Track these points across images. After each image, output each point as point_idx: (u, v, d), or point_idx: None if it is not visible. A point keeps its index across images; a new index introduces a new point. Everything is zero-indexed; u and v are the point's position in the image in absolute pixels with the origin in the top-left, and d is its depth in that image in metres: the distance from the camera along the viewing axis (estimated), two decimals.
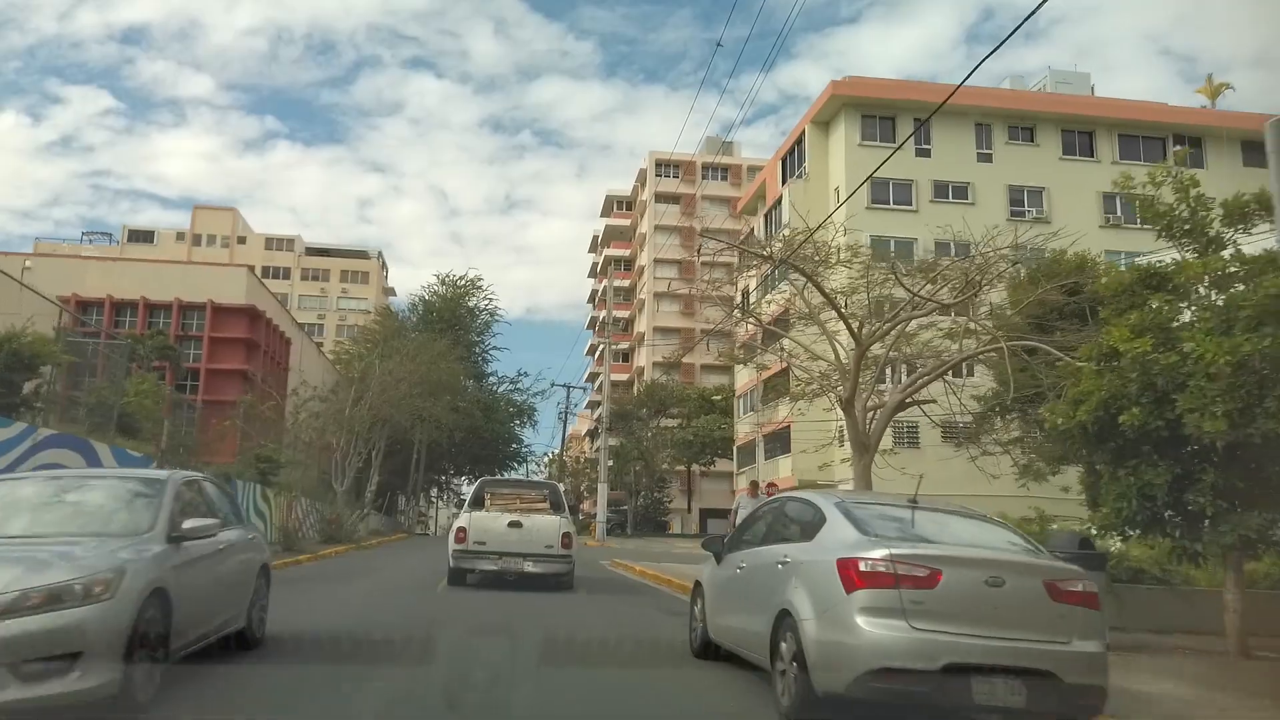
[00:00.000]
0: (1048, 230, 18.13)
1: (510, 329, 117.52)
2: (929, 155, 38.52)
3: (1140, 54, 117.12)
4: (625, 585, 17.49)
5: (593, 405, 75.35)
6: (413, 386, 34.24)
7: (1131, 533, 9.76)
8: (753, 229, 41.36)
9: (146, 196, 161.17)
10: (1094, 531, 10.99)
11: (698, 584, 8.25)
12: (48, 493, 6.52)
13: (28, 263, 38.23)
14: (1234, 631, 9.18)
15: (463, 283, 58.93)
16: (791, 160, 43.05)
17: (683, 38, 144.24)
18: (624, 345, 71.06)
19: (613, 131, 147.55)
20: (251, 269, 47.46)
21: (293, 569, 18.00)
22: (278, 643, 7.82)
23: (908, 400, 17.28)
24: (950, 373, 17.90)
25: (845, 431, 30.42)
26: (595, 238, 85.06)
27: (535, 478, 57.43)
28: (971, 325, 18.22)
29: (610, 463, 45.00)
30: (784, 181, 42.44)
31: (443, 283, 58.81)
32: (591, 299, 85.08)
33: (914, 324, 17.93)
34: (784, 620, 5.80)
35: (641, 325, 70.56)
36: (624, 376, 69.59)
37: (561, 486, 21.05)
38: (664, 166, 70.57)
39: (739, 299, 21.95)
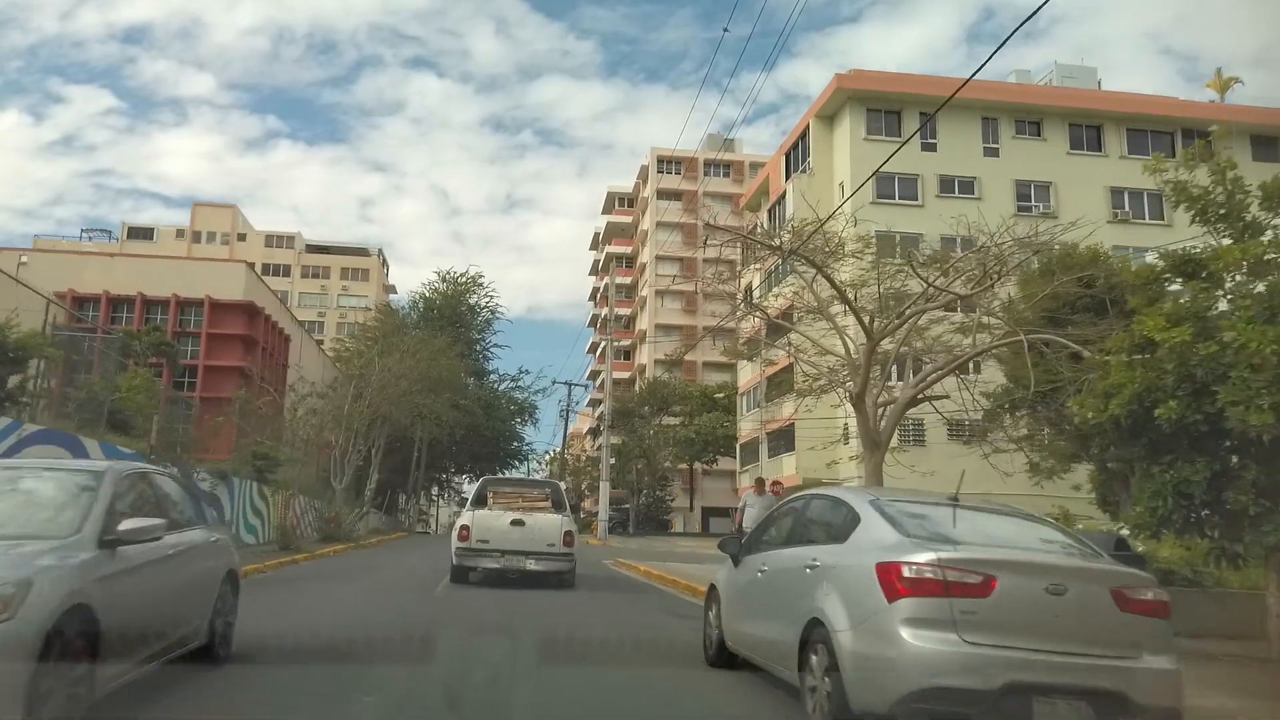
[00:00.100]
0: (1058, 223, 17.62)
1: (511, 328, 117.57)
2: (935, 149, 38.01)
3: (1141, 53, 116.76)
4: (630, 586, 17.08)
5: (594, 403, 74.93)
6: (413, 383, 33.77)
7: (1167, 533, 9.28)
8: (758, 223, 40.90)
9: (148, 196, 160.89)
10: (1125, 531, 10.52)
11: (712, 588, 7.71)
12: None
13: (23, 258, 37.78)
14: (1278, 637, 8.71)
15: (463, 280, 58.55)
16: (795, 155, 42.56)
17: (684, 37, 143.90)
18: (625, 343, 70.60)
19: (614, 131, 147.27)
20: (251, 266, 47.01)
21: (289, 568, 17.64)
22: (262, 646, 7.45)
23: (920, 396, 16.83)
24: (962, 368, 17.48)
25: (851, 428, 30.15)
26: (596, 235, 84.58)
27: (536, 476, 57.25)
28: (985, 319, 17.79)
29: (612, 461, 44.58)
30: (788, 177, 41.95)
31: (443, 280, 58.43)
32: (593, 297, 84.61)
33: (925, 318, 17.52)
34: (815, 630, 5.26)
35: (643, 322, 70.12)
36: (626, 374, 69.13)
37: (563, 485, 21.11)
38: (666, 163, 70.12)
39: (742, 295, 21.52)
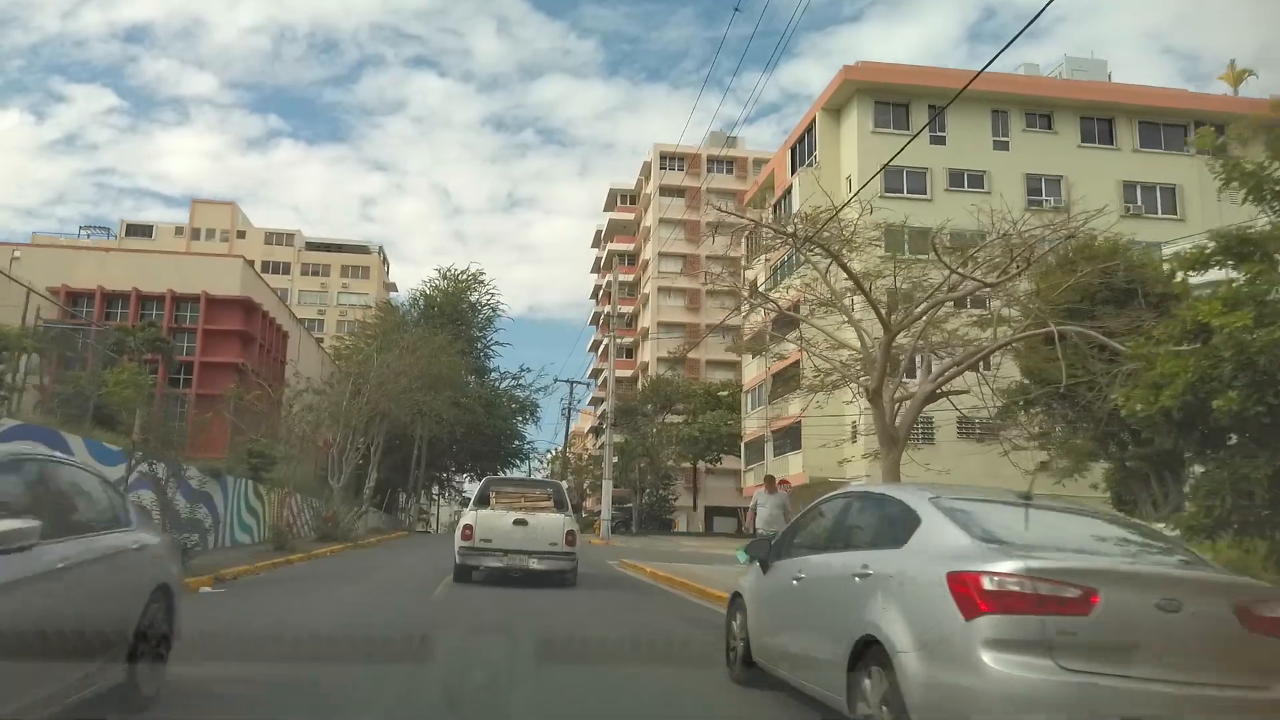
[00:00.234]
0: (1083, 211, 16.96)
1: (512, 327, 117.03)
2: (944, 143, 37.31)
3: (1143, 52, 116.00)
4: (636, 588, 16.44)
5: (596, 401, 74.27)
6: (412, 380, 33.09)
7: (1224, 534, 8.61)
8: (763, 217, 40.24)
9: (150, 195, 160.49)
10: (1177, 533, 9.84)
11: (737, 595, 6.93)
12: None
13: (16, 252, 37.05)
14: None
15: (464, 277, 57.91)
16: (801, 149, 41.88)
17: (685, 36, 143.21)
18: (628, 340, 69.92)
19: (615, 130, 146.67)
20: (251, 263, 46.27)
21: (282, 569, 17.08)
22: (243, 649, 7.06)
23: (939, 391, 16.19)
24: (982, 363, 16.86)
25: (860, 426, 29.52)
26: (598, 232, 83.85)
27: (538, 475, 56.72)
28: (1005, 311, 17.16)
29: (615, 459, 43.94)
30: (793, 171, 41.27)
31: (444, 277, 57.80)
32: (594, 294, 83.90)
33: (942, 310, 16.90)
34: (868, 650, 4.51)
35: (646, 320, 69.42)
36: (628, 372, 68.44)
37: (565, 485, 21.06)
38: (668, 159, 69.38)
39: (748, 290, 20.87)
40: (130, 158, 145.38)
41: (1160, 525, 10.55)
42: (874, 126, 37.53)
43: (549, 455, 68.64)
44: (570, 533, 14.38)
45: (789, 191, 39.56)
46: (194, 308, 37.80)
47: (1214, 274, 15.93)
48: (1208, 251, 9.28)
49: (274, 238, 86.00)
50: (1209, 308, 8.11)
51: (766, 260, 20.92)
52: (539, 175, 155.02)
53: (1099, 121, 39.12)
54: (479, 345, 57.48)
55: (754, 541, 6.71)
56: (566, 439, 59.99)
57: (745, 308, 21.85)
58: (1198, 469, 16.70)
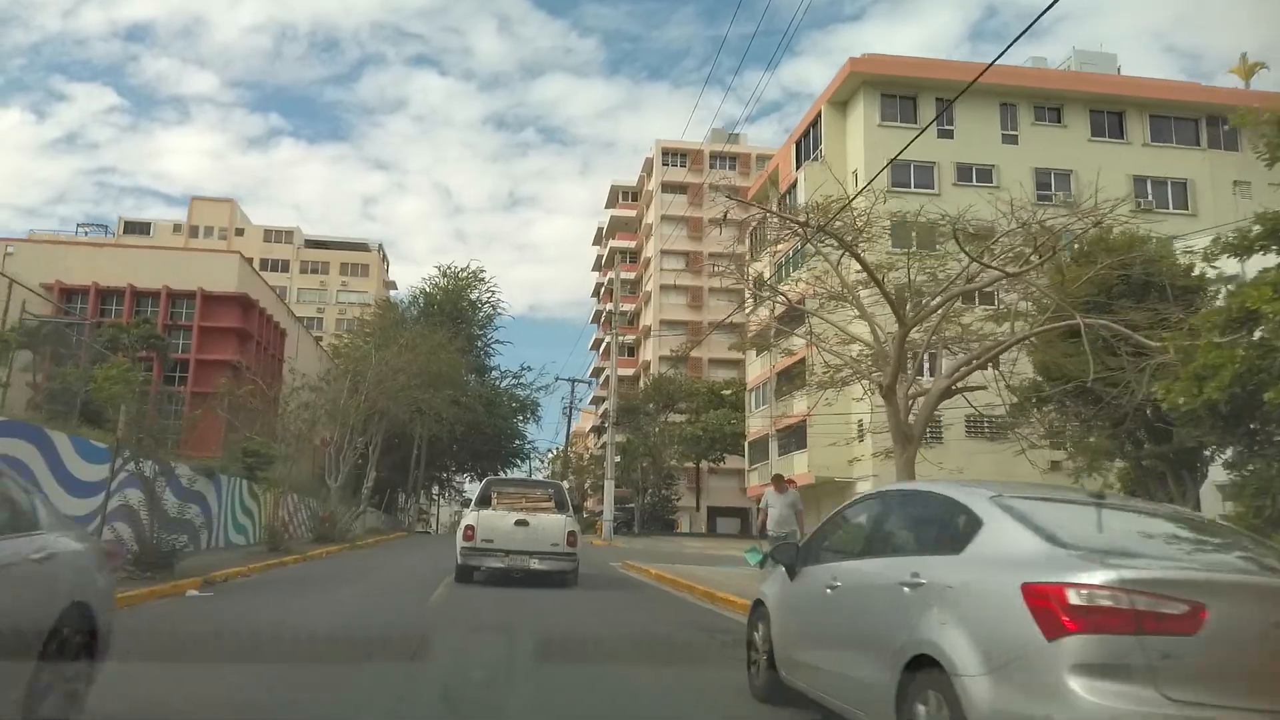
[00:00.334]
0: (1107, 199, 16.39)
1: (513, 326, 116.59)
2: (951, 136, 36.76)
3: (1145, 51, 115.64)
4: (641, 591, 15.89)
5: (597, 401, 73.73)
6: (411, 377, 32.53)
7: (1276, 535, 8.05)
8: (767, 213, 39.68)
9: (150, 194, 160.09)
10: None
11: (759, 604, 6.28)
12: None
13: (9, 248, 36.60)
14: None
15: (464, 274, 57.31)
16: (806, 143, 41.31)
17: (686, 35, 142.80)
18: (630, 339, 69.36)
19: (616, 129, 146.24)
20: (249, 260, 45.70)
21: (276, 571, 16.59)
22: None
23: (955, 387, 15.63)
24: (998, 359, 16.32)
25: (867, 424, 28.95)
26: (600, 229, 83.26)
27: (538, 475, 56.23)
28: (1021, 305, 16.63)
29: (617, 459, 43.40)
30: (798, 165, 40.70)
31: (444, 274, 57.20)
32: (596, 292, 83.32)
33: (957, 305, 16.35)
34: (924, 672, 3.89)
35: (648, 318, 68.84)
36: (630, 371, 67.88)
37: (565, 485, 21.06)
38: (670, 155, 68.84)
39: (753, 285, 20.31)
40: (131, 157, 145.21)
41: None
42: (881, 120, 36.98)
43: (549, 455, 68.13)
44: (571, 533, 14.46)
45: (794, 186, 38.97)
46: (190, 304, 37.19)
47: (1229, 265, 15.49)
48: (1252, 235, 8.72)
49: (273, 235, 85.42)
50: (1258, 293, 7.56)
51: (774, 254, 20.33)
52: (540, 174, 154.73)
53: (1109, 115, 38.57)
54: (479, 343, 56.90)
55: (780, 545, 6.03)
56: (568, 438, 59.42)
57: (752, 302, 21.30)
58: (1220, 468, 16.20)
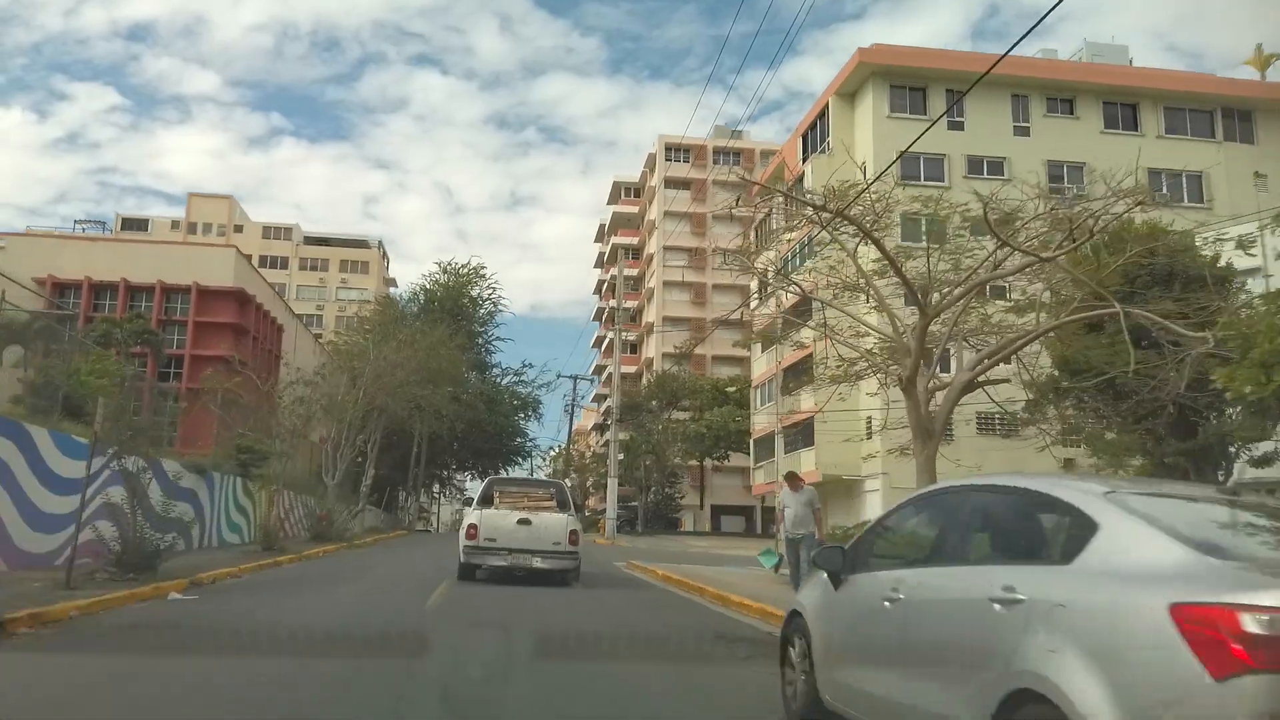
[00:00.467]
0: (1139, 186, 15.72)
1: (515, 324, 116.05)
2: (962, 128, 36.01)
3: (1148, 50, 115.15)
4: (649, 592, 15.23)
5: (599, 398, 73.10)
6: (410, 373, 31.84)
7: None
8: (770, 210, 39.00)
9: (151, 193, 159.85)
10: None
11: (795, 615, 5.42)
12: None
13: (1, 242, 35.95)
14: None
15: (465, 271, 56.67)
16: (813, 136, 40.60)
17: (687, 34, 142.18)
18: (632, 336, 68.68)
19: (617, 128, 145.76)
20: (248, 257, 45.04)
21: (269, 571, 15.95)
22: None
23: (977, 380, 14.94)
24: (1020, 352, 15.65)
25: (877, 421, 28.22)
26: (602, 227, 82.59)
27: (540, 474, 55.64)
28: (1045, 296, 15.96)
29: (620, 457, 42.73)
30: (805, 159, 39.96)
31: (445, 270, 56.54)
32: (598, 290, 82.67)
33: (978, 295, 15.69)
34: (1025, 709, 3.18)
35: (650, 315, 68.17)
36: (632, 368, 67.21)
37: (567, 484, 21.03)
38: (673, 151, 68.17)
39: (762, 276, 19.63)
40: (132, 156, 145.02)
41: None
42: (890, 111, 36.27)
43: (551, 453, 67.47)
44: (573, 532, 14.55)
45: (801, 180, 38.25)
46: (185, 299, 36.54)
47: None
48: None
49: (272, 232, 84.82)
50: None
51: (789, 242, 19.65)
52: (541, 173, 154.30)
53: (1122, 107, 37.84)
54: (479, 340, 56.23)
55: (824, 550, 5.12)
56: (570, 436, 58.77)
57: (763, 291, 20.62)
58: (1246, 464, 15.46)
